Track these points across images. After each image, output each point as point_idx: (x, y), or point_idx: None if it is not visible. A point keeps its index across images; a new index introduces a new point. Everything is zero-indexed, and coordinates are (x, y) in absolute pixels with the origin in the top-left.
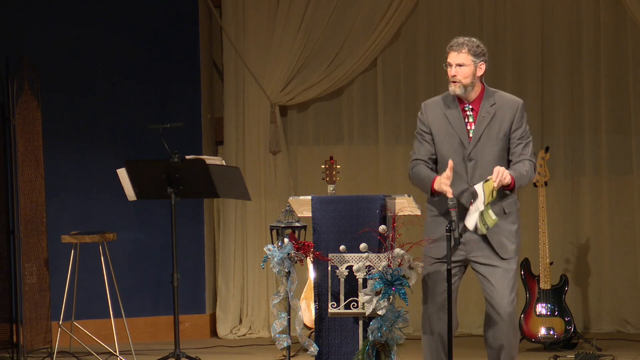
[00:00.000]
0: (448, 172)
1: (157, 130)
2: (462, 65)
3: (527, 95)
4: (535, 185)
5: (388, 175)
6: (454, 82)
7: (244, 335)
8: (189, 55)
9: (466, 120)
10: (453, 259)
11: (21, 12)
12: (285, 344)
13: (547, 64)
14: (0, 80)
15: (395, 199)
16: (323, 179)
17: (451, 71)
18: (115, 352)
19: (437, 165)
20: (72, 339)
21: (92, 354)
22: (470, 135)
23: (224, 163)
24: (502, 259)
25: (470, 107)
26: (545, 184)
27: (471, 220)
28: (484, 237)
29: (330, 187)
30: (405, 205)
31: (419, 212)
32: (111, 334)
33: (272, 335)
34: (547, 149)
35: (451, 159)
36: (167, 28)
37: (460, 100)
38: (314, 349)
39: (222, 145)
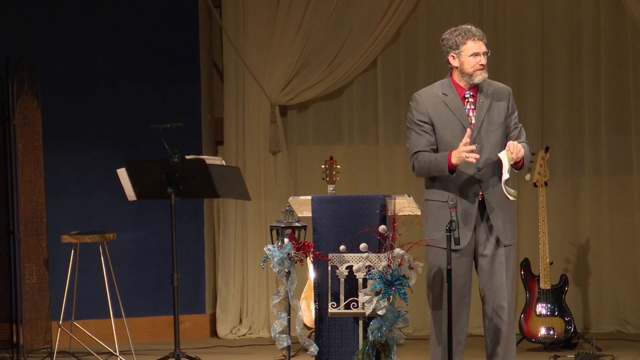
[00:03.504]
0: (466, 140)
1: (157, 130)
2: (487, 52)
3: (527, 95)
4: (535, 185)
5: (388, 175)
6: (483, 69)
7: (244, 335)
8: (189, 55)
9: (468, 106)
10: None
11: (21, 12)
12: (285, 344)
13: (547, 64)
14: (0, 80)
15: (395, 199)
16: (323, 179)
17: (481, 59)
18: (115, 352)
19: None
20: (72, 339)
21: (92, 354)
22: (473, 121)
23: (224, 163)
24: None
25: (471, 93)
26: (545, 184)
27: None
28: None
29: (330, 187)
30: (405, 205)
31: (419, 212)
32: (111, 334)
33: (272, 335)
34: (547, 149)
35: (455, 145)
36: (167, 28)
37: (459, 87)
38: (314, 349)
39: (222, 145)
